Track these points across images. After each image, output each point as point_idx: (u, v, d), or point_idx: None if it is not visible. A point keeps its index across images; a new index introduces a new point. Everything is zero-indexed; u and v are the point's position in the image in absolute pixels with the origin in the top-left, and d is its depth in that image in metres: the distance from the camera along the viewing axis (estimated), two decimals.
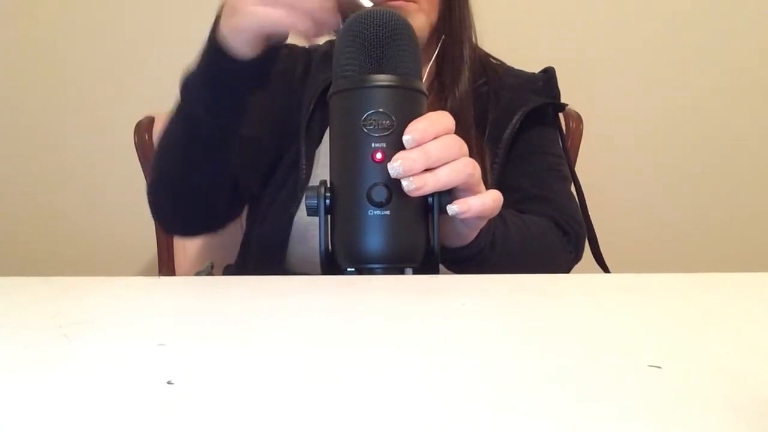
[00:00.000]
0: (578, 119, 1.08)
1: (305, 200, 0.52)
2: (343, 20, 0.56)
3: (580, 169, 1.05)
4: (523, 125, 0.79)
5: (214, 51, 0.60)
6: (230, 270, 0.85)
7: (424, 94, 0.53)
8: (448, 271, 0.64)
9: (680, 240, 1.49)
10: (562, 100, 0.84)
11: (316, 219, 0.53)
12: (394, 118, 0.50)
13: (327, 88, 0.77)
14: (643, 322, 0.32)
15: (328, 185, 0.52)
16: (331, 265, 0.53)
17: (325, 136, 0.78)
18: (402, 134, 0.49)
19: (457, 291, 0.41)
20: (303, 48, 0.89)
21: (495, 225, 0.62)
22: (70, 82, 1.49)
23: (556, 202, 0.77)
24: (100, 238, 1.50)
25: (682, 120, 1.48)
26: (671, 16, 1.45)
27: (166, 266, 1.06)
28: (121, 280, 0.44)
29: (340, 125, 0.53)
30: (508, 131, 0.78)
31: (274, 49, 0.62)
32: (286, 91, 0.82)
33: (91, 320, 0.32)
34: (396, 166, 0.48)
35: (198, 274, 0.92)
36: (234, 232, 0.98)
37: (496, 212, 0.55)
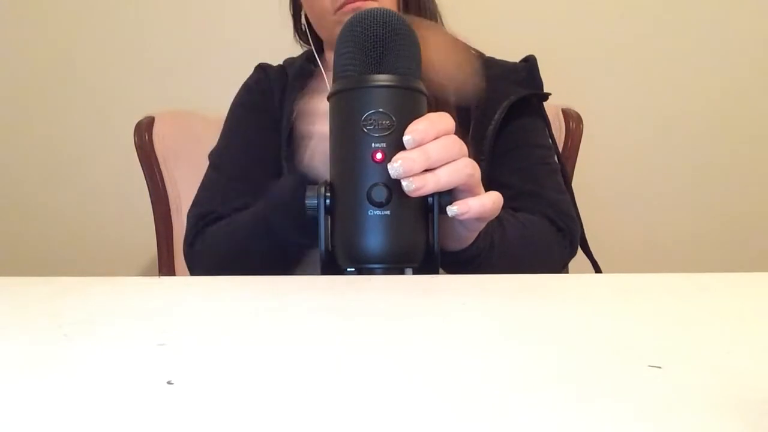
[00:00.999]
0: (578, 119, 1.08)
1: (305, 200, 0.52)
2: None
3: (580, 169, 1.05)
4: (507, 118, 0.78)
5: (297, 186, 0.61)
6: None
7: (424, 94, 0.53)
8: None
9: (681, 240, 1.49)
10: (558, 97, 0.83)
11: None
12: (394, 118, 0.50)
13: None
14: (643, 322, 0.32)
15: (328, 185, 0.52)
16: (331, 265, 0.53)
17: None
18: (402, 134, 0.49)
19: (457, 291, 0.41)
20: (278, 66, 0.90)
21: (493, 228, 0.62)
22: (70, 82, 1.49)
23: (548, 197, 0.76)
24: (100, 238, 1.50)
25: (682, 120, 1.48)
26: (671, 15, 1.45)
27: (166, 266, 1.06)
28: (121, 280, 0.44)
29: (340, 125, 0.53)
30: (491, 126, 0.77)
31: None
32: (267, 115, 0.83)
33: (91, 320, 0.32)
34: (396, 166, 0.48)
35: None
36: None
37: (496, 214, 0.55)
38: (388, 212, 0.50)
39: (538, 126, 0.83)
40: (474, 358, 0.25)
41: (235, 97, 0.89)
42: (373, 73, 0.51)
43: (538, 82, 0.82)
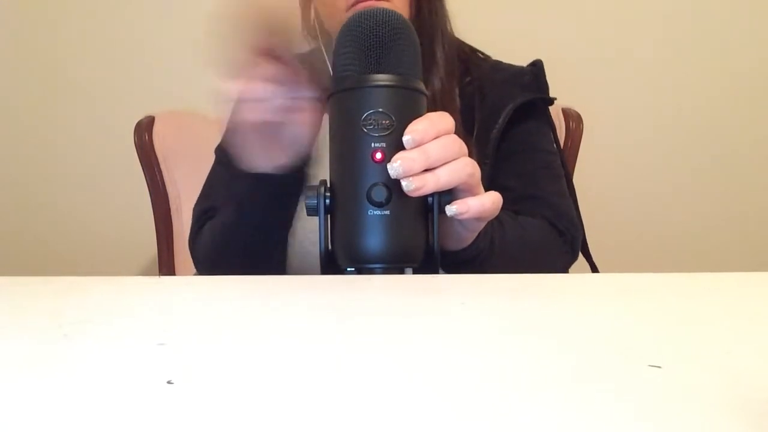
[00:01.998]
0: (578, 119, 1.08)
1: (305, 200, 0.52)
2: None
3: (580, 169, 1.05)
4: (512, 122, 0.77)
5: (243, 176, 0.62)
6: None
7: (424, 94, 0.53)
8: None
9: (681, 239, 1.49)
10: (558, 97, 0.83)
11: (314, 226, 0.53)
12: (393, 118, 0.50)
13: None
14: (643, 322, 0.32)
15: (328, 185, 0.52)
16: (331, 265, 0.53)
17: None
18: (402, 134, 0.49)
19: (457, 291, 0.41)
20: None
21: (493, 228, 0.62)
22: (70, 83, 1.49)
23: (550, 201, 0.76)
24: (100, 238, 1.50)
25: (682, 120, 1.48)
26: (672, 15, 1.45)
27: (166, 266, 1.06)
28: (121, 280, 0.44)
29: (340, 125, 0.53)
30: (495, 130, 0.76)
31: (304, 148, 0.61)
32: None
33: (91, 320, 0.32)
34: (396, 166, 0.48)
35: (197, 273, 0.92)
36: None
37: (495, 214, 0.55)
38: (387, 212, 0.50)
39: (542, 130, 0.82)
40: (474, 357, 0.25)
41: None
42: (373, 73, 0.51)
43: (543, 87, 0.82)
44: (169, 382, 0.21)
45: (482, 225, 0.56)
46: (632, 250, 1.46)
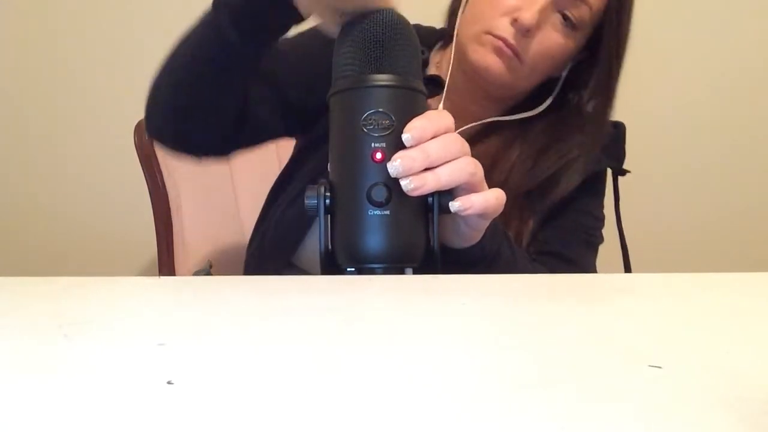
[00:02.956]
0: None
1: (305, 200, 0.52)
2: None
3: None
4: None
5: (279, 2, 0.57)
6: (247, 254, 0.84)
7: (424, 94, 0.53)
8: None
9: (680, 240, 1.49)
10: None
11: None
12: (393, 118, 0.50)
13: None
14: (643, 322, 0.32)
15: (328, 185, 0.52)
16: (331, 264, 0.52)
17: None
18: (402, 134, 0.49)
19: (457, 291, 0.41)
20: None
21: (503, 238, 0.61)
22: (70, 83, 1.49)
23: (578, 266, 0.74)
24: (100, 238, 1.50)
25: (682, 120, 1.48)
26: (673, 15, 1.45)
27: (166, 266, 1.06)
28: (121, 280, 0.44)
29: (340, 125, 0.53)
30: (560, 190, 0.74)
31: None
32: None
33: (91, 320, 0.32)
34: (396, 164, 0.48)
35: (197, 273, 0.92)
36: (234, 234, 0.98)
37: (499, 211, 0.54)
38: (387, 212, 0.50)
39: (599, 198, 0.81)
40: (474, 358, 0.25)
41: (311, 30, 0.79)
42: (373, 73, 0.51)
43: (621, 154, 0.81)
44: (169, 382, 0.21)
45: (486, 223, 0.56)
46: (632, 250, 1.46)
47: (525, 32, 0.69)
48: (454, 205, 0.50)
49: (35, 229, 1.52)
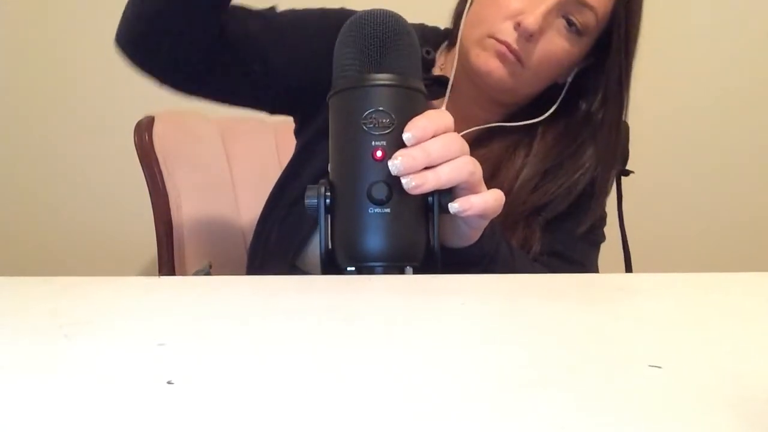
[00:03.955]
0: None
1: (305, 200, 0.52)
2: None
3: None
4: None
5: None
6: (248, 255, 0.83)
7: (424, 94, 0.53)
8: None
9: (681, 240, 1.49)
10: None
11: None
12: (393, 117, 0.50)
13: None
14: (643, 322, 0.32)
15: (329, 185, 0.52)
16: (331, 264, 0.53)
17: None
18: (402, 133, 0.49)
19: (457, 291, 0.41)
20: None
21: (502, 238, 0.61)
22: (70, 82, 1.49)
23: (580, 266, 0.74)
24: (100, 238, 1.50)
25: (682, 120, 1.47)
26: (674, 15, 1.45)
27: (166, 266, 1.05)
28: (121, 280, 0.44)
29: (341, 124, 0.53)
30: (567, 194, 0.73)
31: None
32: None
33: (91, 320, 0.32)
34: (396, 163, 0.48)
35: (196, 273, 0.92)
36: (234, 234, 0.98)
37: (498, 211, 0.54)
38: (388, 210, 0.50)
39: (603, 196, 0.80)
40: (473, 357, 0.25)
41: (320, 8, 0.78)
42: (373, 73, 0.51)
43: (625, 155, 0.80)
44: (169, 382, 0.21)
45: (485, 223, 0.56)
46: (632, 250, 1.46)
47: (528, 37, 0.68)
48: (454, 207, 0.51)
49: (35, 229, 1.52)
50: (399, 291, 0.41)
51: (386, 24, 0.52)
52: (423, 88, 0.53)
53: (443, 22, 0.83)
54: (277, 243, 0.75)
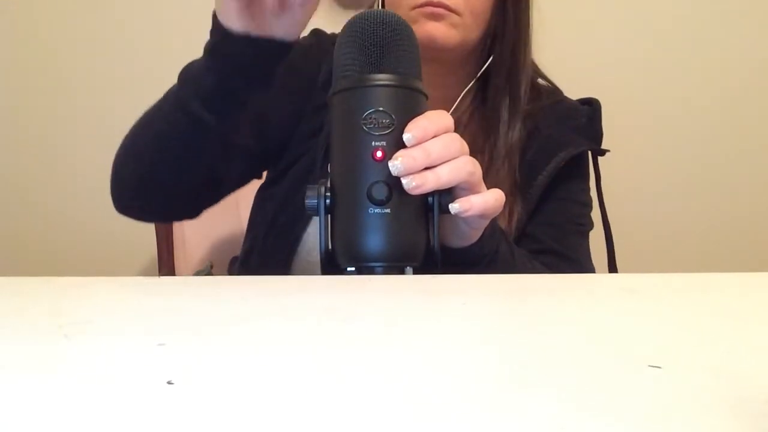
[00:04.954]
0: None
1: (305, 200, 0.52)
2: None
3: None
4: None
5: (213, 30, 0.57)
6: (235, 265, 0.83)
7: (424, 94, 0.54)
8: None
9: (680, 240, 1.49)
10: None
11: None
12: (394, 117, 0.50)
13: None
14: (643, 322, 0.32)
15: (329, 185, 0.53)
16: (331, 264, 0.53)
17: None
18: (402, 133, 0.49)
19: (457, 291, 0.41)
20: (332, 37, 0.80)
21: (502, 237, 0.61)
22: (70, 83, 1.49)
23: (575, 261, 0.73)
24: (100, 238, 1.50)
25: (682, 120, 1.48)
26: (674, 15, 1.45)
27: (166, 266, 1.06)
28: (121, 280, 0.44)
29: (341, 124, 0.53)
30: (542, 177, 0.73)
31: (277, 46, 0.57)
32: (302, 83, 0.74)
33: (91, 320, 0.32)
34: (397, 163, 0.48)
35: (198, 273, 0.92)
36: (234, 234, 0.98)
37: (498, 211, 0.54)
38: (388, 210, 0.50)
39: (583, 182, 0.79)
40: (473, 358, 0.25)
41: None
42: (373, 73, 0.51)
43: (598, 135, 0.79)
44: (169, 383, 0.21)
45: (486, 222, 0.56)
46: (632, 249, 1.46)
47: None
48: (454, 207, 0.51)
49: (35, 229, 1.52)
50: (399, 291, 0.41)
51: (386, 24, 0.52)
52: (423, 88, 0.53)
53: None
54: (265, 257, 0.74)
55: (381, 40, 0.52)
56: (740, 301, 0.39)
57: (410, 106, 0.52)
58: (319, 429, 0.18)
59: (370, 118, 0.50)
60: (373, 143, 0.50)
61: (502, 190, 0.55)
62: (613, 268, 0.77)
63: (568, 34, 1.43)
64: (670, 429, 0.18)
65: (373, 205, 0.50)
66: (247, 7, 0.54)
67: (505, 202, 0.56)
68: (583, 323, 0.31)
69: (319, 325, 0.31)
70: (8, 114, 1.50)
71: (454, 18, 0.70)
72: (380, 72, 0.51)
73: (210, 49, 0.57)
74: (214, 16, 0.57)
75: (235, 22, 0.55)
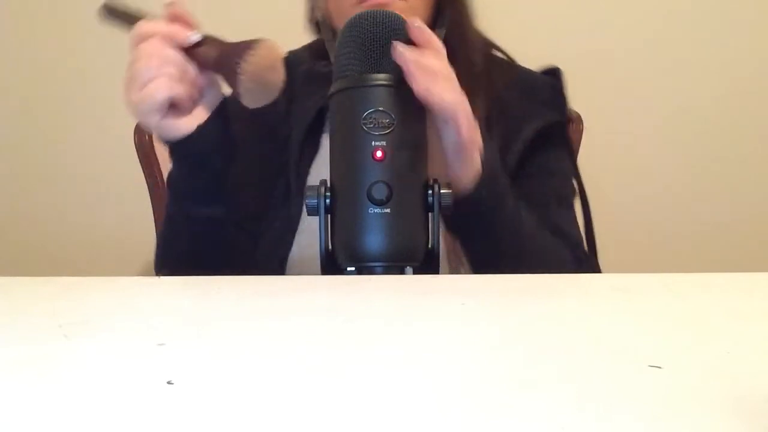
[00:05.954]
0: (578, 119, 1.08)
1: (305, 200, 0.52)
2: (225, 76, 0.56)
3: (579, 169, 1.04)
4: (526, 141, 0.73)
5: (168, 148, 0.60)
6: None
7: None
8: (448, 272, 0.64)
9: (680, 240, 1.48)
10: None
11: (309, 256, 0.53)
12: (393, 117, 0.50)
13: (318, 115, 0.72)
14: (643, 322, 0.32)
15: (328, 185, 0.53)
16: (331, 264, 0.53)
17: (313, 167, 0.74)
18: (402, 133, 0.50)
19: (457, 291, 0.41)
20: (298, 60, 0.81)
21: (507, 192, 0.61)
22: (70, 82, 1.49)
23: (564, 231, 0.73)
24: (100, 238, 1.50)
25: (682, 120, 1.48)
26: (672, 15, 1.45)
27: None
28: (121, 280, 0.44)
29: (341, 124, 0.53)
30: (512, 155, 0.72)
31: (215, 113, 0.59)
32: (269, 128, 0.76)
33: (91, 320, 0.32)
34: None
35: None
36: None
37: (463, 114, 0.54)
38: (388, 210, 0.50)
39: (558, 152, 0.78)
40: (474, 358, 0.25)
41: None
42: (373, 73, 0.51)
43: (562, 106, 0.78)
44: (169, 383, 0.21)
45: (469, 154, 0.55)
46: (632, 249, 1.46)
47: None
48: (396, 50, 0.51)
49: (35, 229, 1.52)
50: (399, 291, 0.41)
51: (386, 24, 0.52)
52: None
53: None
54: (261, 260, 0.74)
55: (380, 40, 0.52)
56: (740, 301, 0.39)
57: (410, 105, 0.52)
58: (319, 429, 0.18)
59: (370, 118, 0.50)
60: (373, 143, 0.50)
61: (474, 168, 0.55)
62: (590, 234, 0.75)
63: (562, 31, 1.44)
64: (670, 429, 0.18)
65: (373, 205, 0.50)
66: (168, 116, 0.56)
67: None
68: (583, 323, 0.31)
69: (320, 324, 0.31)
70: (9, 114, 1.51)
71: (399, 4, 0.69)
72: (380, 72, 0.51)
73: (171, 155, 0.61)
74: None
75: (170, 133, 0.57)
